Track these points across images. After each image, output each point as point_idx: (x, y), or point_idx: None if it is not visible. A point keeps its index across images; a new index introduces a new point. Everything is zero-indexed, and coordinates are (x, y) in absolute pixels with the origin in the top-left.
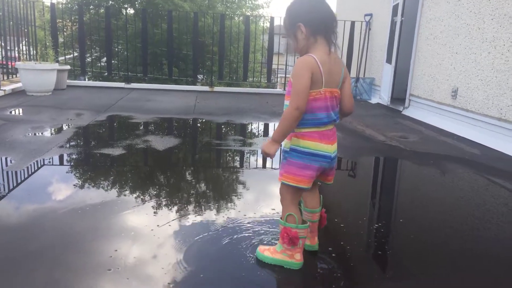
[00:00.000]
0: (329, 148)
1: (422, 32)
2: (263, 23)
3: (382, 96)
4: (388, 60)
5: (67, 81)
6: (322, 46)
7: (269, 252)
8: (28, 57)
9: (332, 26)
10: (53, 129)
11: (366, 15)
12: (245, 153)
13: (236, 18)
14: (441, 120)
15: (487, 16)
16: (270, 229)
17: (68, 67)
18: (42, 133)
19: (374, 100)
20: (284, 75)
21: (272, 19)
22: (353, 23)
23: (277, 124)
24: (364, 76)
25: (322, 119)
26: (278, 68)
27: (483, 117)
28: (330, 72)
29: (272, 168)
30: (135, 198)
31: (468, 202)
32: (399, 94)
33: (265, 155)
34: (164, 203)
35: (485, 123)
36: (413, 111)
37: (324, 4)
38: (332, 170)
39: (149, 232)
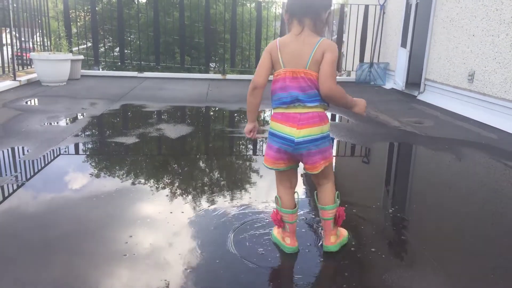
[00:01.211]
0: (292, 131)
1: (438, 15)
2: (275, 9)
3: (397, 81)
4: (403, 44)
5: (81, 71)
6: (294, 29)
7: (276, 231)
8: (42, 47)
9: (304, 10)
10: (68, 118)
11: None
12: (258, 140)
13: (248, 4)
14: (457, 105)
15: None
16: None
17: (82, 57)
18: (57, 123)
19: (388, 85)
20: None
21: (284, 4)
22: (367, 7)
23: None
24: (378, 61)
25: (282, 99)
26: None
27: (500, 101)
28: (293, 52)
29: None
30: (149, 186)
31: (485, 188)
32: (414, 79)
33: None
34: (177, 190)
35: (503, 107)
36: (428, 96)
37: None
38: (304, 157)
39: (163, 219)
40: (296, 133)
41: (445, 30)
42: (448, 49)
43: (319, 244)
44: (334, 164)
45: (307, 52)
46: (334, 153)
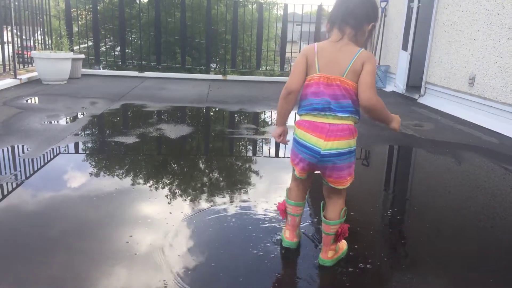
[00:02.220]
0: (318, 142)
1: (439, 18)
2: (277, 11)
3: (397, 84)
4: (404, 47)
5: (82, 70)
6: (334, 36)
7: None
8: (43, 46)
9: (346, 18)
10: (68, 117)
11: (382, 1)
12: (258, 142)
13: (249, 5)
14: (458, 108)
15: (507, 0)
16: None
17: (83, 56)
18: (57, 121)
19: (389, 88)
20: None
21: (285, 6)
22: None
23: None
24: (379, 63)
25: (313, 104)
26: (291, 57)
27: (501, 105)
28: (330, 58)
29: (284, 157)
30: (149, 186)
31: (485, 192)
32: (415, 82)
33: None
34: (177, 191)
35: (503, 111)
36: (428, 99)
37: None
38: (328, 170)
39: (162, 219)
40: (323, 145)
41: (446, 33)
42: (449, 53)
43: (317, 248)
44: None
45: (346, 60)
46: None
